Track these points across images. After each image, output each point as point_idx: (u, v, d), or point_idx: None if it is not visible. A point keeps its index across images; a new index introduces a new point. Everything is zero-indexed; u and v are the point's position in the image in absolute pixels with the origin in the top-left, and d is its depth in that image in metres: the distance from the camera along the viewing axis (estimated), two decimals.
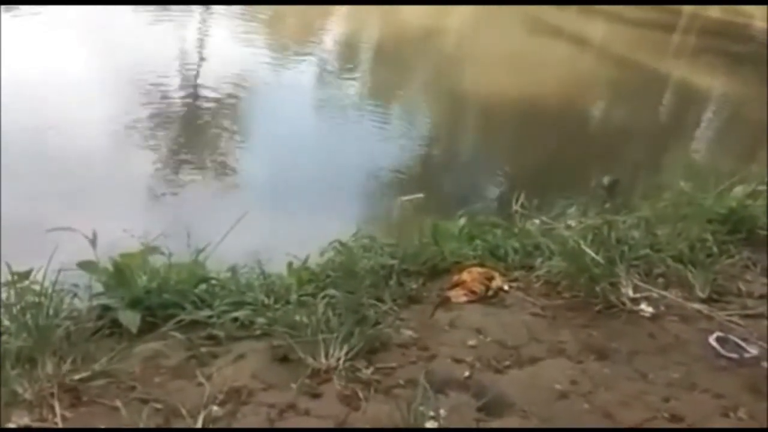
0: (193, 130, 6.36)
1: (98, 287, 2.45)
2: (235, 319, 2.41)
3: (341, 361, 2.20)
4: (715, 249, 3.02)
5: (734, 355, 2.46)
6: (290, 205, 4.79)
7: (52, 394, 1.98)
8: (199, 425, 1.93)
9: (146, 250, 2.58)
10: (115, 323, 2.32)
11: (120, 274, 2.44)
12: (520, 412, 2.10)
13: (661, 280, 2.85)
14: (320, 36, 10.11)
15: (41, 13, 8.77)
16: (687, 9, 12.96)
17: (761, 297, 2.86)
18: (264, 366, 2.21)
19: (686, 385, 2.31)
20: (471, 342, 2.42)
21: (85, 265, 2.45)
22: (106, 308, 2.37)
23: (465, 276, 2.77)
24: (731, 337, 2.53)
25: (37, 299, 2.26)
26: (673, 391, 2.27)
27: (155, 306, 2.41)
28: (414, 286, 2.75)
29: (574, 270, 2.71)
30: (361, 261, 2.77)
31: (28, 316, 2.20)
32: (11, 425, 1.90)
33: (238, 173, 5.46)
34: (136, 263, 2.50)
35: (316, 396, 2.11)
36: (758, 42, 11.33)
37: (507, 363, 2.32)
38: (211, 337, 2.34)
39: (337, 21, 11.22)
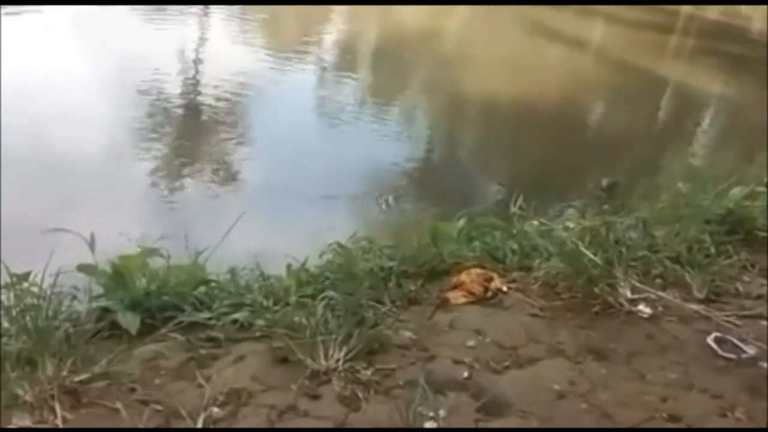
0: (192, 131, 6.37)
1: (98, 289, 2.46)
2: (235, 321, 2.42)
3: (341, 363, 2.21)
4: (713, 250, 3.03)
5: (732, 356, 2.47)
6: (289, 207, 4.80)
7: (52, 396, 1.99)
8: (199, 426, 1.94)
9: (145, 252, 2.58)
10: (115, 325, 2.32)
11: (119, 276, 2.44)
12: (519, 412, 2.10)
13: (659, 280, 2.86)
14: (318, 37, 10.13)
15: (42, 12, 8.79)
16: (685, 10, 13.00)
17: (759, 297, 2.87)
18: (264, 367, 2.22)
19: (684, 385, 2.32)
20: (470, 343, 2.43)
21: (85, 268, 2.45)
22: (105, 310, 2.37)
23: (464, 277, 2.78)
24: (729, 337, 2.54)
25: (36, 301, 2.26)
26: (671, 391, 2.28)
27: (155, 308, 2.41)
28: (413, 287, 2.76)
29: (572, 271, 2.72)
30: (360, 263, 2.78)
31: (28, 318, 2.20)
32: (12, 427, 1.91)
33: (237, 175, 5.47)
34: (136, 265, 2.50)
35: (315, 397, 2.11)
36: (756, 43, 11.36)
37: (506, 364, 2.33)
38: (211, 339, 2.35)
39: (334, 22, 11.24)
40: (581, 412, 2.15)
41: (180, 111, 6.76)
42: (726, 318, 2.66)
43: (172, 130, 6.28)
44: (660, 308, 2.70)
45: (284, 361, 2.24)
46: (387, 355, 2.32)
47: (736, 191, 3.47)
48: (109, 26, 8.90)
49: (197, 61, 8.38)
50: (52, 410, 1.96)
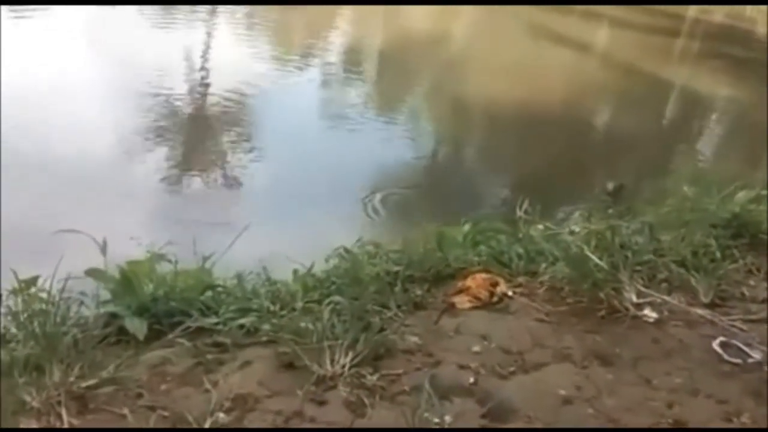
0: (199, 135, 6.39)
1: (105, 295, 2.47)
2: (241, 326, 2.43)
3: (346, 368, 2.21)
4: (718, 254, 3.03)
5: (738, 360, 2.46)
6: (295, 212, 4.80)
7: (59, 402, 2.00)
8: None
9: (153, 257, 2.60)
10: (122, 331, 2.34)
11: (127, 281, 2.46)
12: (524, 417, 2.11)
13: (664, 285, 2.86)
14: (323, 40, 10.16)
15: (48, 14, 8.84)
16: (690, 14, 12.98)
17: (764, 302, 2.87)
18: (270, 373, 2.23)
19: (690, 390, 2.32)
20: (476, 348, 2.43)
21: (93, 273, 2.47)
22: (113, 316, 2.38)
23: (469, 282, 2.78)
24: (735, 342, 2.54)
25: (44, 307, 2.28)
26: (677, 396, 2.28)
27: (162, 313, 2.42)
28: (419, 292, 2.76)
29: (577, 276, 2.72)
30: (366, 267, 2.79)
31: (36, 323, 2.22)
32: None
33: (244, 179, 5.49)
34: (143, 271, 2.52)
35: (321, 403, 2.12)
36: (762, 47, 11.33)
37: (512, 369, 2.33)
38: (217, 344, 2.36)
39: (340, 25, 11.27)
40: (587, 417, 2.15)
41: (187, 114, 6.79)
42: (731, 322, 2.66)
43: (179, 133, 6.31)
44: (665, 313, 2.70)
45: (290, 366, 2.25)
46: (393, 361, 2.32)
47: (742, 195, 3.46)
48: (116, 28, 8.95)
49: (205, 65, 8.41)
50: (59, 416, 1.97)
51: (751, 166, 6.13)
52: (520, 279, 2.90)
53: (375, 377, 2.22)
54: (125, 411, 1.99)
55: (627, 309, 2.65)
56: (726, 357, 2.47)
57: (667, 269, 2.90)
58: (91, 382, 2.07)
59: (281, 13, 10.65)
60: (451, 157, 6.90)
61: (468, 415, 2.10)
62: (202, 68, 8.27)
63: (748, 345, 2.52)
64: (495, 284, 2.79)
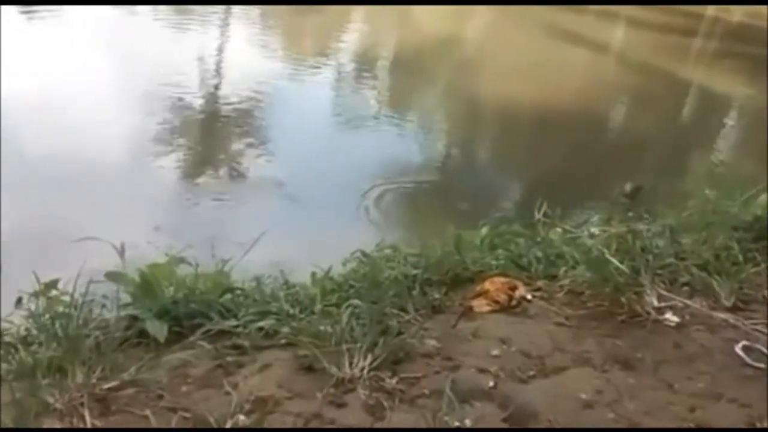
0: (214, 138, 6.42)
1: (125, 298, 2.49)
2: (260, 329, 2.44)
3: (365, 371, 2.21)
4: (740, 257, 2.98)
5: (761, 365, 2.43)
6: (312, 214, 4.82)
7: (82, 403, 2.01)
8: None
9: (172, 260, 2.61)
10: (143, 333, 2.35)
11: (147, 284, 2.47)
12: (545, 422, 2.09)
13: (686, 288, 2.83)
14: (338, 42, 10.18)
15: (60, 14, 8.92)
16: (708, 12, 12.86)
17: None
18: (289, 375, 2.23)
19: (712, 394, 2.29)
20: (495, 352, 2.42)
21: (113, 276, 2.49)
22: (133, 318, 2.40)
23: (488, 285, 2.77)
24: (757, 346, 2.50)
25: (66, 309, 2.30)
26: (699, 400, 2.25)
27: (182, 316, 2.44)
28: (437, 295, 2.76)
29: (598, 279, 2.70)
30: (384, 271, 2.79)
31: (58, 326, 2.24)
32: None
33: (258, 180, 5.51)
34: (163, 274, 2.53)
35: (341, 405, 2.12)
36: None
37: (531, 373, 2.32)
38: (237, 347, 2.37)
39: (354, 27, 11.28)
40: (608, 421, 2.13)
41: (202, 116, 6.83)
42: (754, 326, 2.62)
43: (195, 135, 6.35)
44: (687, 317, 2.67)
45: (309, 369, 2.25)
46: (411, 364, 2.31)
47: (764, 197, 3.42)
48: (129, 28, 9.02)
49: (219, 66, 8.45)
50: (82, 417, 1.99)
51: None
52: (539, 282, 2.89)
53: (394, 380, 2.22)
54: (147, 412, 2.01)
55: (648, 313, 2.63)
56: (749, 361, 2.44)
57: (689, 273, 2.87)
58: (113, 383, 2.09)
59: (296, 14, 10.69)
60: (468, 159, 6.89)
61: (488, 418, 2.09)
62: (217, 70, 8.32)
63: None
64: (514, 288, 2.78)
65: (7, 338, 2.36)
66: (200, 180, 5.45)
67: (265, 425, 2.03)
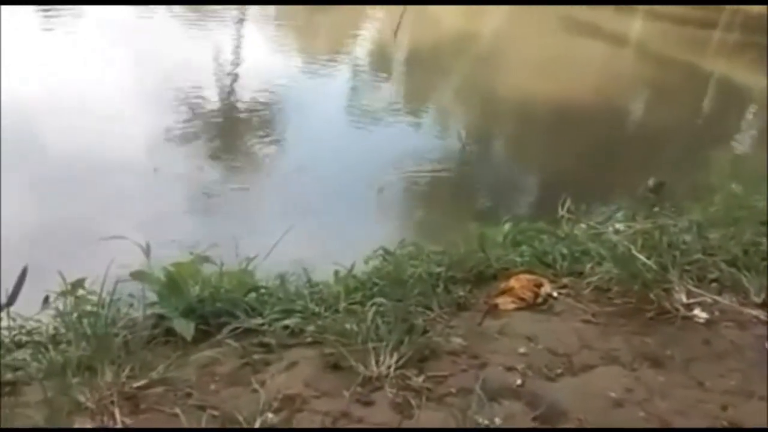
0: (233, 137, 6.44)
1: (151, 297, 2.50)
2: (286, 327, 2.44)
3: (392, 369, 2.21)
4: None
5: None
6: (333, 211, 4.82)
7: (112, 402, 2.02)
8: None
9: (197, 259, 2.62)
10: (170, 332, 2.36)
11: (173, 283, 2.48)
12: (575, 421, 2.07)
13: (714, 285, 2.79)
14: (354, 39, 10.17)
15: (77, 14, 8.99)
16: (728, 5, 12.70)
17: None
18: (316, 373, 2.23)
19: (744, 392, 2.26)
20: (521, 350, 2.40)
21: (138, 275, 2.50)
22: (160, 317, 2.41)
23: (513, 283, 2.75)
24: None
25: (94, 308, 2.32)
26: (731, 398, 2.22)
27: (208, 314, 2.45)
28: (461, 293, 2.74)
29: (625, 276, 2.67)
30: (407, 269, 2.77)
31: (86, 324, 2.26)
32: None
33: (279, 179, 5.52)
34: (188, 272, 2.54)
35: (368, 404, 2.12)
36: None
37: (559, 371, 2.30)
38: (263, 345, 2.37)
39: (370, 23, 11.27)
40: (639, 420, 2.10)
41: (221, 116, 6.85)
42: None
43: (214, 132, 6.37)
44: (717, 313, 2.63)
45: (336, 367, 2.25)
46: (438, 362, 2.30)
47: None
48: (146, 28, 9.06)
49: (235, 64, 8.48)
50: (112, 416, 2.00)
51: None
52: (565, 279, 2.86)
53: (421, 379, 2.21)
54: (176, 410, 2.01)
55: (677, 310, 2.60)
56: None
57: (717, 269, 2.83)
58: (142, 382, 2.10)
59: (313, 12, 10.69)
60: (489, 156, 6.84)
61: (517, 416, 2.08)
62: (233, 68, 8.33)
63: None
64: (539, 285, 2.76)
65: (36, 337, 2.39)
66: (220, 176, 5.47)
67: (294, 423, 2.03)
